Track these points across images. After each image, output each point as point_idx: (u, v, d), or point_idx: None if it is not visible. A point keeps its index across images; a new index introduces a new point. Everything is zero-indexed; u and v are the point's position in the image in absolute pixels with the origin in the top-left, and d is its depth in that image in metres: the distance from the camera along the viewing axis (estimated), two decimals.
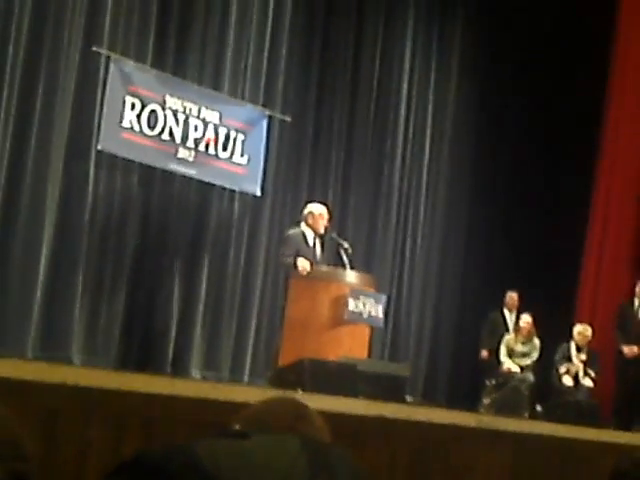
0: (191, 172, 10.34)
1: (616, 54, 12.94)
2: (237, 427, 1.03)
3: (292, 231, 9.13)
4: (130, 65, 9.87)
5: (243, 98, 10.87)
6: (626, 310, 11.64)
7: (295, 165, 11.41)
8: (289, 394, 7.07)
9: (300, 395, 6.41)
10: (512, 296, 12.12)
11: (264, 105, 11.01)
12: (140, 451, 0.98)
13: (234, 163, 10.72)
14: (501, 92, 13.26)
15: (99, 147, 9.57)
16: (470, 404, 11.21)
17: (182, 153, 10.28)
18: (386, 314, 9.20)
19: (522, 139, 13.26)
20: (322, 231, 9.15)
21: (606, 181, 12.87)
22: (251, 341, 10.75)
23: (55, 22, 9.26)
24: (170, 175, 10.21)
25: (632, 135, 12.74)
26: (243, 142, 10.80)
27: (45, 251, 9.12)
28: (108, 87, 9.67)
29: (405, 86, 12.63)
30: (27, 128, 9.09)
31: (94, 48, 9.56)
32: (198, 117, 10.44)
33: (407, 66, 12.65)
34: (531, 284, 12.12)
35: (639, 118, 12.74)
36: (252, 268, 10.87)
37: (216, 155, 10.59)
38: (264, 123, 10.99)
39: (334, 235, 9.42)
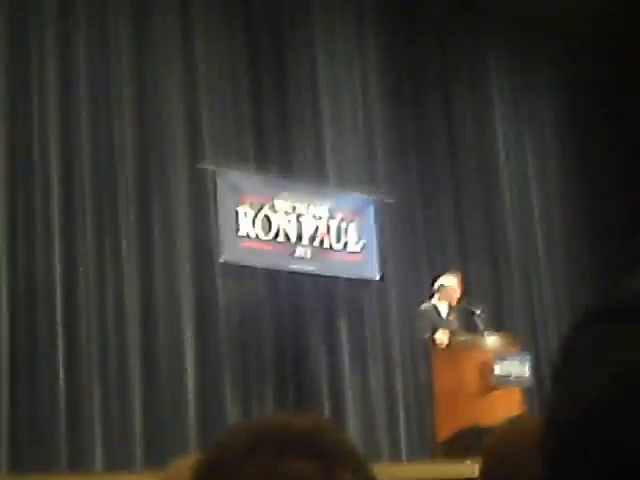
0: (310, 268, 10.47)
1: None
2: None
3: (424, 305, 9.18)
4: (235, 175, 10.11)
5: (348, 188, 11.01)
6: None
7: (410, 244, 11.42)
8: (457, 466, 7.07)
9: (469, 465, 6.41)
10: None
11: (368, 191, 11.12)
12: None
13: (350, 252, 10.83)
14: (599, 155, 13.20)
15: (222, 259, 9.79)
16: None
17: (299, 251, 10.44)
18: (533, 372, 9.13)
19: None
20: (454, 303, 9.18)
21: None
22: (403, 421, 10.70)
23: (159, 145, 9.63)
24: (292, 275, 10.36)
25: None
26: (355, 230, 10.90)
27: (188, 364, 9.36)
28: (219, 200, 9.90)
29: (501, 148, 12.68)
30: (150, 253, 9.39)
31: (199, 166, 9.86)
32: (308, 214, 10.60)
33: (500, 128, 12.71)
34: None
35: None
36: (389, 350, 10.88)
37: (331, 247, 10.72)
38: (371, 209, 11.09)
39: (464, 304, 9.43)
